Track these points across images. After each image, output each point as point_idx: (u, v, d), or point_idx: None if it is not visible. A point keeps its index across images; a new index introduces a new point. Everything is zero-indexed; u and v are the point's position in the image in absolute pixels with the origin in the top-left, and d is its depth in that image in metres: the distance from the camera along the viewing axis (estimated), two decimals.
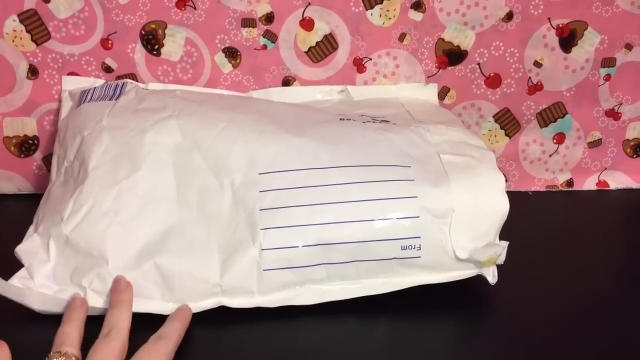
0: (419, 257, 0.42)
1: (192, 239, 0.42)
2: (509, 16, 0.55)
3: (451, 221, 0.42)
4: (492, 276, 0.44)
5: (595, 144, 0.61)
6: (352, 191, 0.43)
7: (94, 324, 0.40)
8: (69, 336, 0.37)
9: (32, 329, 0.40)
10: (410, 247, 0.42)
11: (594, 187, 0.63)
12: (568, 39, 0.57)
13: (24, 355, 0.38)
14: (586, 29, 0.56)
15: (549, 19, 0.56)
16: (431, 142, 0.47)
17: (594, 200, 0.61)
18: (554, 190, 0.63)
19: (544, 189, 0.62)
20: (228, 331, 0.41)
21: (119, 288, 0.40)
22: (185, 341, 0.40)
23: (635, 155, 0.62)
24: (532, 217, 0.57)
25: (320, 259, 0.42)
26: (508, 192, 0.44)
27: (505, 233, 0.44)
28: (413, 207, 0.42)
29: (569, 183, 0.62)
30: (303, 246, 0.41)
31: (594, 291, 0.47)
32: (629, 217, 0.58)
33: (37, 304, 0.41)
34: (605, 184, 0.63)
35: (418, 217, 0.42)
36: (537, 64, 0.57)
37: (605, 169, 0.62)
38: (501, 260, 0.43)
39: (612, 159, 0.62)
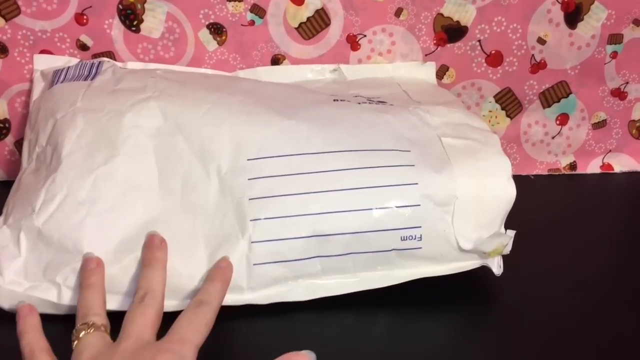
0: (420, 248, 0.40)
1: (176, 231, 0.40)
2: None
3: (454, 209, 0.40)
4: (497, 267, 0.42)
5: (599, 125, 0.59)
6: (347, 178, 0.40)
7: (72, 324, 0.37)
8: (93, 304, 0.36)
9: (1, 330, 0.37)
10: (410, 237, 0.40)
11: (597, 171, 0.61)
12: (573, 14, 0.54)
13: None
14: (593, 3, 0.54)
15: None
16: (431, 124, 0.45)
17: (598, 184, 0.60)
18: (557, 174, 0.61)
19: (546, 173, 0.61)
20: (216, 330, 0.38)
21: (153, 244, 0.38)
22: None
23: None
24: (534, 202, 0.55)
25: (315, 252, 0.40)
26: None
27: (506, 219, 0.42)
28: (413, 195, 0.40)
29: (572, 166, 0.61)
30: (296, 238, 0.39)
31: (600, 277, 0.46)
32: (634, 201, 0.57)
33: (7, 303, 0.38)
34: (610, 167, 0.61)
35: (419, 205, 0.40)
36: (541, 41, 0.55)
37: (610, 151, 0.60)
38: (507, 250, 0.42)
39: (617, 140, 0.60)
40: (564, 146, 0.59)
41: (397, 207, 0.40)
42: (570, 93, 0.57)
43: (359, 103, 0.46)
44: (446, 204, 0.40)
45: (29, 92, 0.52)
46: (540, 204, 0.56)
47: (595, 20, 0.54)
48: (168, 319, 0.37)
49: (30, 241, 0.39)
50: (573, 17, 0.54)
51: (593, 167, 0.61)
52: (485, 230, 0.41)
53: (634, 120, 0.59)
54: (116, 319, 0.37)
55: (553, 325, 0.40)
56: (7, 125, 0.54)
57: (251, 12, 0.52)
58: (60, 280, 0.38)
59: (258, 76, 0.53)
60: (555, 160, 0.60)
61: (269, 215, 0.39)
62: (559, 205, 0.56)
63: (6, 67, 0.52)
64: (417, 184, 0.40)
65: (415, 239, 0.40)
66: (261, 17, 0.52)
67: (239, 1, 0.52)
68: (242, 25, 0.52)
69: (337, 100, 0.46)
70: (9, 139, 0.54)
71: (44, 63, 0.51)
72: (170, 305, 0.38)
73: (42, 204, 0.40)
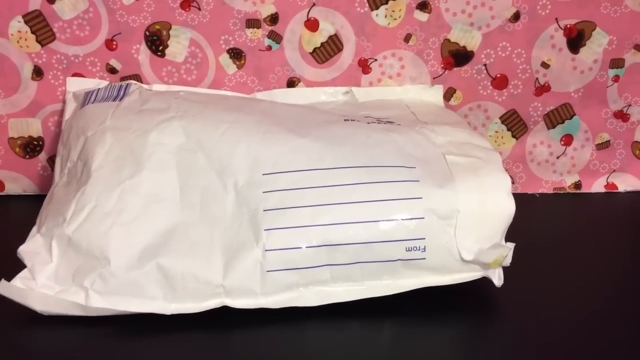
0: (424, 258, 0.42)
1: (195, 239, 0.42)
2: (516, 16, 0.55)
3: (456, 222, 0.42)
4: (497, 278, 0.43)
5: (603, 145, 0.61)
6: (356, 192, 0.42)
7: (99, 327, 0.40)
8: None
9: (34, 330, 0.40)
10: (415, 248, 0.42)
11: (602, 190, 0.62)
12: (576, 40, 0.56)
13: (24, 356, 0.38)
14: (594, 29, 0.56)
15: (556, 19, 0.55)
16: (436, 142, 0.47)
17: (602, 202, 0.61)
18: (562, 192, 0.62)
19: (552, 191, 0.62)
20: (231, 334, 0.41)
21: None
22: (186, 345, 0.39)
23: None
24: (539, 220, 0.57)
25: (324, 260, 0.41)
26: (515, 195, 0.44)
27: (512, 235, 0.44)
28: (418, 208, 0.42)
29: (577, 185, 0.62)
30: (307, 247, 0.41)
31: (601, 294, 0.46)
32: (637, 220, 0.57)
33: (39, 305, 0.40)
34: (614, 186, 0.62)
35: (423, 218, 0.42)
36: (545, 65, 0.57)
37: (614, 171, 0.62)
38: (507, 262, 0.43)
39: (621, 161, 0.61)
40: (569, 166, 0.61)
41: (402, 219, 0.42)
42: (574, 115, 0.59)
43: (369, 123, 0.48)
44: (449, 217, 0.42)
45: (61, 112, 0.55)
46: (546, 221, 0.57)
47: (597, 45, 0.57)
48: (187, 320, 0.40)
49: (61, 248, 0.42)
50: (575, 43, 0.56)
51: (597, 186, 0.62)
52: (486, 242, 0.42)
53: (637, 142, 0.61)
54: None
55: (553, 335, 0.41)
56: (40, 142, 0.57)
57: (268, 38, 0.55)
58: (88, 284, 0.40)
59: (274, 98, 0.55)
60: (560, 179, 0.62)
61: (282, 225, 0.41)
62: (564, 222, 0.57)
63: (41, 89, 0.55)
64: (421, 198, 0.42)
65: (419, 250, 0.42)
66: (278, 42, 0.55)
67: (257, 28, 0.55)
68: (260, 50, 0.56)
69: (348, 120, 0.48)
70: (42, 156, 0.57)
71: (76, 85, 0.54)
72: (188, 307, 0.40)
73: (72, 214, 0.42)
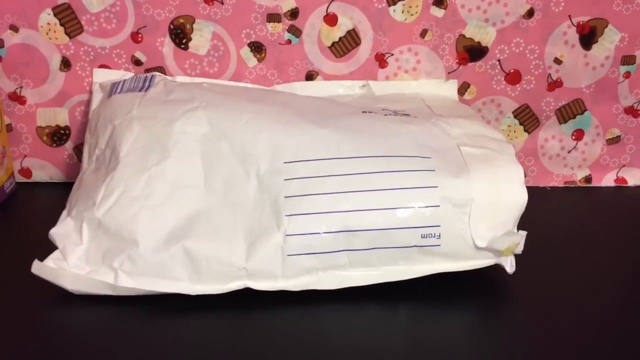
0: (439, 245, 0.43)
1: (218, 224, 0.43)
2: (530, 13, 0.56)
3: (470, 211, 0.43)
4: (510, 266, 0.45)
5: (614, 140, 0.62)
6: (374, 180, 0.44)
7: (126, 306, 0.42)
8: None
9: (65, 308, 0.42)
10: (430, 235, 0.43)
11: (612, 184, 0.63)
12: (588, 36, 0.57)
13: (57, 333, 0.40)
14: (606, 26, 0.57)
15: (569, 16, 0.56)
16: (451, 134, 0.48)
17: (612, 196, 0.62)
18: (573, 186, 0.63)
19: (562, 185, 0.63)
20: (253, 314, 0.42)
21: None
22: (210, 324, 0.41)
23: None
24: (550, 213, 0.58)
25: (343, 246, 0.43)
26: (527, 188, 0.45)
27: (523, 228, 0.45)
28: (433, 197, 0.43)
29: (587, 179, 0.63)
30: (326, 233, 0.43)
31: (610, 286, 0.47)
32: None
33: (70, 284, 0.42)
34: (624, 180, 0.63)
35: (438, 206, 0.43)
36: (557, 61, 0.58)
37: (624, 165, 0.63)
38: (519, 249, 0.44)
39: (631, 156, 0.62)
40: (580, 160, 0.62)
41: (418, 207, 0.43)
42: (586, 110, 0.60)
43: (386, 115, 0.50)
44: (463, 205, 0.43)
45: (88, 102, 0.57)
46: (557, 214, 0.58)
47: (609, 42, 0.58)
48: (210, 301, 0.42)
49: (91, 231, 0.43)
50: (588, 39, 0.58)
51: (607, 180, 0.63)
52: (499, 230, 0.43)
53: None
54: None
55: (563, 322, 0.42)
56: (67, 132, 0.59)
57: (288, 32, 0.57)
58: (117, 265, 0.42)
59: (293, 90, 0.57)
60: (571, 173, 0.63)
61: (302, 211, 0.43)
62: (574, 215, 0.58)
63: (69, 79, 0.57)
64: (437, 187, 0.43)
65: (434, 237, 0.43)
66: (297, 36, 0.57)
67: (278, 22, 0.56)
68: (280, 44, 0.57)
69: (366, 112, 0.50)
70: (69, 144, 0.59)
71: (102, 76, 0.56)
72: (212, 289, 0.42)
73: (102, 198, 0.44)
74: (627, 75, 0.59)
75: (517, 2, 0.56)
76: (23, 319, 0.41)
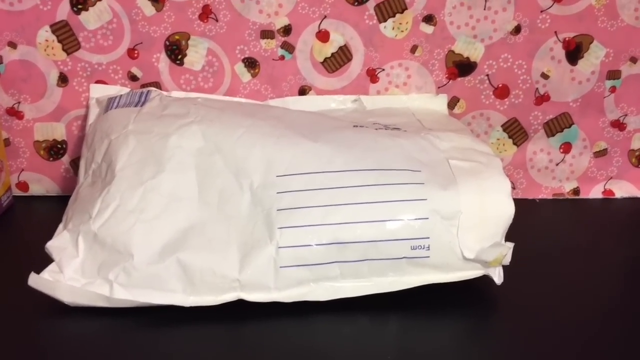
0: (428, 257, 0.44)
1: (212, 236, 0.44)
2: (517, 29, 0.58)
3: (459, 223, 0.44)
4: (498, 277, 0.45)
5: (601, 153, 0.63)
6: (364, 193, 0.44)
7: (121, 317, 0.42)
8: None
9: (62, 320, 0.43)
10: (419, 247, 0.44)
11: (599, 196, 0.64)
12: (574, 52, 0.59)
13: (53, 345, 0.41)
14: (592, 42, 0.58)
15: (555, 32, 0.58)
16: (440, 148, 0.49)
17: (600, 208, 0.63)
18: (561, 198, 0.64)
19: (551, 197, 0.64)
20: (246, 325, 0.43)
21: None
22: (204, 335, 0.42)
23: None
24: (539, 224, 0.59)
25: (334, 257, 0.44)
26: (516, 200, 0.45)
27: (512, 239, 0.45)
28: (423, 209, 0.44)
29: (576, 191, 0.64)
30: (317, 245, 0.43)
31: (598, 297, 0.48)
32: (634, 226, 0.59)
33: (66, 297, 0.43)
34: (611, 192, 0.64)
35: (427, 218, 0.44)
36: (544, 76, 0.59)
37: (611, 178, 0.64)
38: (507, 260, 0.45)
39: (618, 168, 0.63)
40: (568, 172, 0.63)
41: (408, 219, 0.44)
42: (573, 124, 0.61)
43: (376, 129, 0.51)
44: (452, 217, 0.44)
45: (84, 117, 0.58)
46: (545, 225, 0.59)
47: (594, 57, 0.59)
48: (204, 312, 0.43)
49: (87, 243, 0.44)
50: (574, 55, 0.59)
51: (595, 192, 0.64)
52: (487, 242, 0.44)
53: (633, 150, 0.63)
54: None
55: (551, 332, 0.43)
56: (64, 145, 0.60)
57: (282, 48, 0.58)
58: (112, 277, 0.43)
59: (287, 105, 0.58)
60: (559, 185, 0.64)
61: (294, 224, 0.43)
62: (563, 227, 0.59)
63: (66, 94, 0.58)
64: (426, 199, 0.44)
65: (423, 248, 0.44)
66: (290, 52, 0.58)
67: (271, 38, 0.57)
68: (273, 59, 0.58)
69: (357, 126, 0.51)
70: (65, 158, 0.60)
71: (99, 91, 0.57)
72: (206, 300, 0.43)
73: (98, 212, 0.45)
74: (613, 89, 0.60)
75: (505, 19, 0.57)
76: (20, 331, 0.42)
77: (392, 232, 0.44)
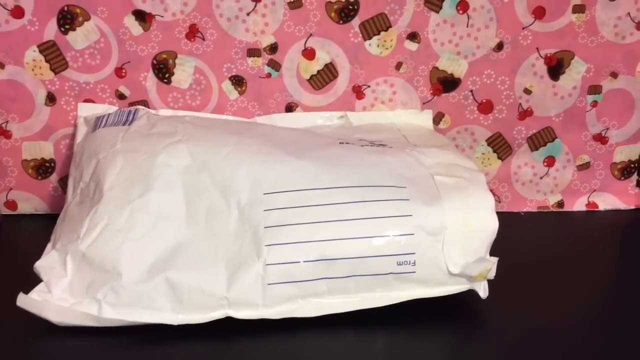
0: (414, 272, 0.44)
1: (200, 254, 0.45)
2: (500, 46, 0.59)
3: (444, 238, 0.45)
4: (483, 291, 0.46)
5: (584, 167, 0.64)
6: (351, 210, 0.45)
7: (110, 337, 0.43)
8: None
9: (50, 340, 0.43)
10: (405, 262, 0.44)
11: (583, 208, 0.65)
12: (556, 68, 0.60)
13: None
14: (573, 58, 0.59)
15: (537, 48, 0.59)
16: (425, 164, 0.49)
17: (584, 220, 0.63)
18: (545, 211, 0.65)
19: (536, 210, 0.65)
20: (234, 343, 0.43)
21: None
22: (193, 353, 0.42)
23: (622, 178, 0.64)
24: (524, 237, 0.59)
25: (321, 274, 0.44)
26: (501, 213, 0.46)
27: (498, 252, 0.46)
28: (408, 225, 0.45)
29: (560, 204, 0.65)
30: (305, 261, 0.44)
31: (582, 308, 0.48)
32: (617, 237, 0.60)
33: (55, 316, 0.43)
34: (595, 205, 0.65)
35: (413, 234, 0.44)
36: (527, 91, 0.60)
37: (594, 190, 0.65)
38: (491, 275, 0.46)
39: (601, 181, 0.64)
40: (552, 186, 0.64)
41: (394, 235, 0.44)
42: (556, 138, 0.62)
43: (362, 146, 0.51)
44: (437, 233, 0.44)
45: (72, 136, 0.58)
46: (530, 238, 0.59)
47: (575, 73, 0.60)
48: (193, 330, 0.43)
49: (75, 263, 0.44)
50: (555, 71, 0.60)
51: (579, 205, 0.65)
52: (472, 257, 0.45)
53: (615, 163, 0.64)
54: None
55: (536, 344, 0.43)
56: (52, 164, 0.60)
57: (268, 66, 0.58)
58: (101, 296, 0.43)
59: (274, 122, 0.58)
60: (544, 198, 0.65)
61: (281, 241, 0.44)
62: (548, 239, 0.59)
63: (54, 113, 0.58)
64: (411, 215, 0.45)
65: (409, 264, 0.44)
66: (277, 70, 0.59)
67: (258, 57, 0.58)
68: (260, 77, 0.59)
69: (343, 143, 0.51)
70: (54, 177, 0.60)
71: (86, 110, 0.57)
72: (194, 318, 0.43)
73: (86, 231, 0.45)
74: (594, 104, 0.61)
75: (487, 36, 0.58)
76: (8, 351, 0.42)
77: (378, 248, 0.44)
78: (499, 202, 0.64)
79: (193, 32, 0.57)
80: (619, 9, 0.58)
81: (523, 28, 0.58)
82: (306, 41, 0.58)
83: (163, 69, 0.58)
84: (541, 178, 0.64)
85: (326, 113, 0.60)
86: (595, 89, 0.61)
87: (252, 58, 0.58)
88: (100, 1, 0.55)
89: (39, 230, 0.57)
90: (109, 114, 0.55)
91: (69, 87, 0.57)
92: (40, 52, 0.56)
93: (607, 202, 0.65)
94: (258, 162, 0.48)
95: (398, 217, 0.45)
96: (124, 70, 0.57)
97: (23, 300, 0.43)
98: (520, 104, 0.61)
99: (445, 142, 0.57)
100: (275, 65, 0.58)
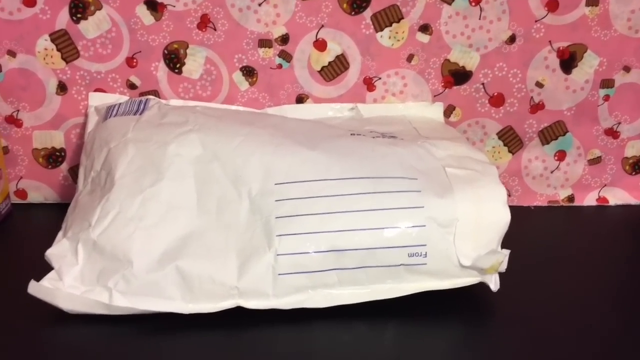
0: (425, 264, 0.44)
1: (211, 244, 0.45)
2: (512, 39, 0.58)
3: (455, 230, 0.45)
4: (494, 284, 0.46)
5: (595, 161, 0.63)
6: (362, 201, 0.45)
7: (121, 325, 0.43)
8: None
9: (61, 327, 0.43)
10: (416, 254, 0.44)
11: (594, 203, 0.65)
12: (568, 61, 0.59)
13: (53, 352, 0.41)
14: (586, 51, 0.59)
15: (550, 42, 0.59)
16: (437, 156, 0.49)
17: (594, 215, 0.63)
18: (556, 205, 0.65)
19: (546, 204, 0.65)
20: (244, 332, 0.43)
21: None
22: (203, 342, 0.42)
23: (633, 173, 0.64)
24: (534, 231, 0.59)
25: (332, 265, 0.44)
26: (511, 207, 0.46)
27: (507, 246, 0.46)
28: (419, 217, 0.45)
29: (570, 199, 0.65)
30: (316, 252, 0.44)
31: (592, 303, 0.48)
32: (627, 233, 0.60)
33: (65, 304, 0.43)
34: (605, 200, 0.65)
35: (424, 226, 0.44)
36: (539, 85, 0.60)
37: (605, 185, 0.64)
38: (503, 267, 0.46)
39: (612, 176, 0.64)
40: (562, 180, 0.64)
41: (405, 227, 0.44)
42: (567, 132, 0.62)
43: (373, 137, 0.51)
44: (448, 225, 0.45)
45: (83, 125, 0.59)
46: (540, 233, 0.59)
47: (588, 66, 0.60)
48: (203, 320, 0.43)
49: (86, 251, 0.44)
50: (568, 64, 0.60)
51: (590, 199, 0.65)
52: (484, 249, 0.45)
53: (627, 157, 0.63)
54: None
55: (547, 339, 0.43)
56: (62, 153, 0.60)
57: (279, 57, 0.58)
58: (112, 285, 0.43)
59: (284, 113, 0.58)
60: (554, 192, 0.64)
61: (292, 231, 0.44)
62: (558, 234, 0.59)
63: (64, 103, 0.58)
64: (423, 207, 0.45)
65: (420, 255, 0.44)
66: (288, 61, 0.59)
67: (269, 47, 0.58)
68: (271, 68, 0.59)
69: (354, 135, 0.51)
70: (64, 166, 0.60)
71: (97, 100, 0.58)
72: (205, 307, 0.43)
73: (97, 220, 0.45)
74: (607, 98, 0.61)
75: (500, 29, 0.58)
76: (19, 338, 0.42)
77: (390, 240, 0.44)
78: (509, 195, 0.63)
79: (204, 22, 0.56)
80: (633, 2, 0.57)
81: (536, 21, 0.58)
82: (317, 32, 0.57)
83: (174, 59, 0.57)
84: (552, 172, 0.63)
85: (337, 105, 0.60)
86: (607, 83, 0.60)
87: (263, 49, 0.58)
88: None
89: (48, 219, 0.57)
90: (120, 103, 0.55)
91: (80, 77, 0.57)
92: (52, 41, 0.56)
93: (617, 197, 0.65)
94: (269, 153, 0.48)
95: (409, 209, 0.45)
96: (135, 60, 0.57)
97: (34, 288, 0.43)
98: (531, 97, 0.60)
99: (456, 135, 0.57)
100: (286, 56, 0.58)
